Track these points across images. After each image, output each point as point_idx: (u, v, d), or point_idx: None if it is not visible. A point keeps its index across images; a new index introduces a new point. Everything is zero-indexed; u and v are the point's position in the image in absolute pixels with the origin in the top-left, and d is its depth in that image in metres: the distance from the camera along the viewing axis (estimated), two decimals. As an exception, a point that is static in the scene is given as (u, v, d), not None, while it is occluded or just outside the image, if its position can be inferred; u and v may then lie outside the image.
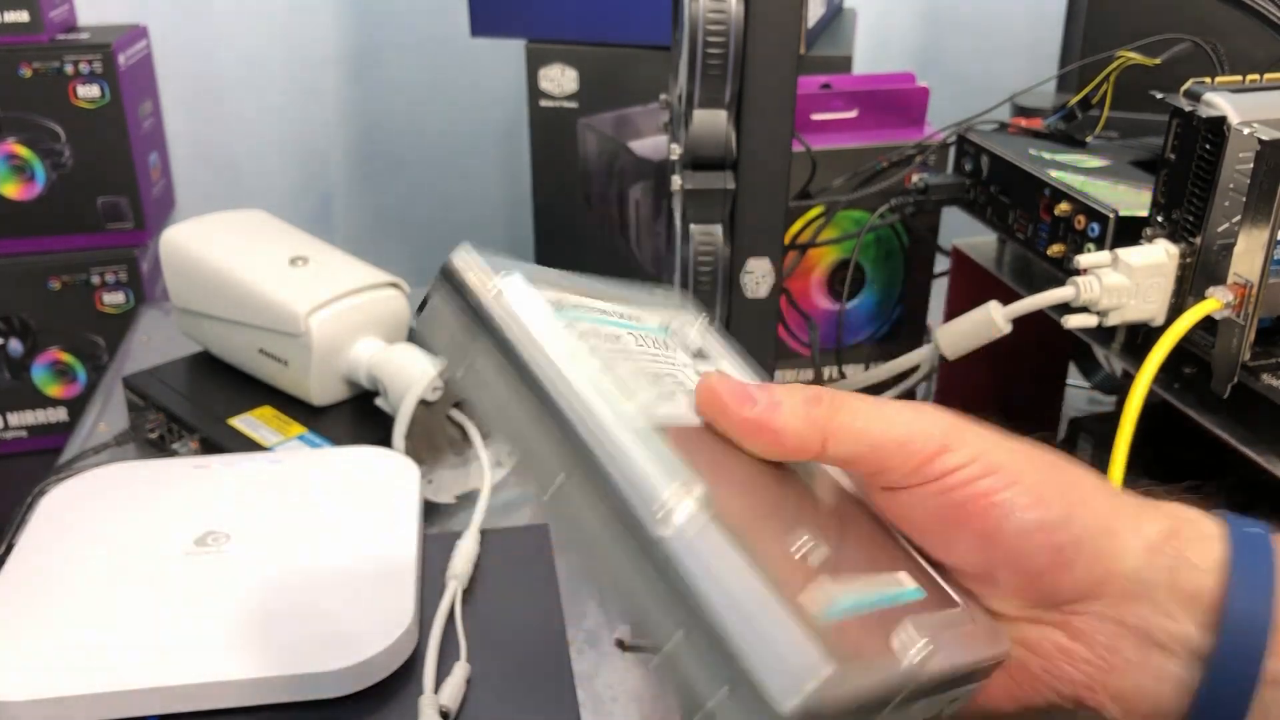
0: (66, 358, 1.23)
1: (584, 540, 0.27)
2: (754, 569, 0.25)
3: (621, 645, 0.60)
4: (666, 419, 0.28)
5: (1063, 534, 0.32)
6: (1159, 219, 0.54)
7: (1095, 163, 0.66)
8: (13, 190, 1.16)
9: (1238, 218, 0.50)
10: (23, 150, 1.15)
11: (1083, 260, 0.54)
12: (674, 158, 0.59)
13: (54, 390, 1.24)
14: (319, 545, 0.58)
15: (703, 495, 0.26)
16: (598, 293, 0.33)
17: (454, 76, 1.39)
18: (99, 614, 0.53)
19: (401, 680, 0.52)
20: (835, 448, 0.32)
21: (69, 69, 1.13)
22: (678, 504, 0.26)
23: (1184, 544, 0.32)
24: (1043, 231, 0.63)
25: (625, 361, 0.30)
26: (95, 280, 1.20)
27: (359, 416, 0.76)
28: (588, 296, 0.32)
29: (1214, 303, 0.50)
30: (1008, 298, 0.58)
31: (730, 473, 0.29)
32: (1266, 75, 0.55)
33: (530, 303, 0.28)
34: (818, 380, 0.79)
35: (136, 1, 1.28)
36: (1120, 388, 0.77)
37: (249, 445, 0.72)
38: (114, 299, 1.21)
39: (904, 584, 0.29)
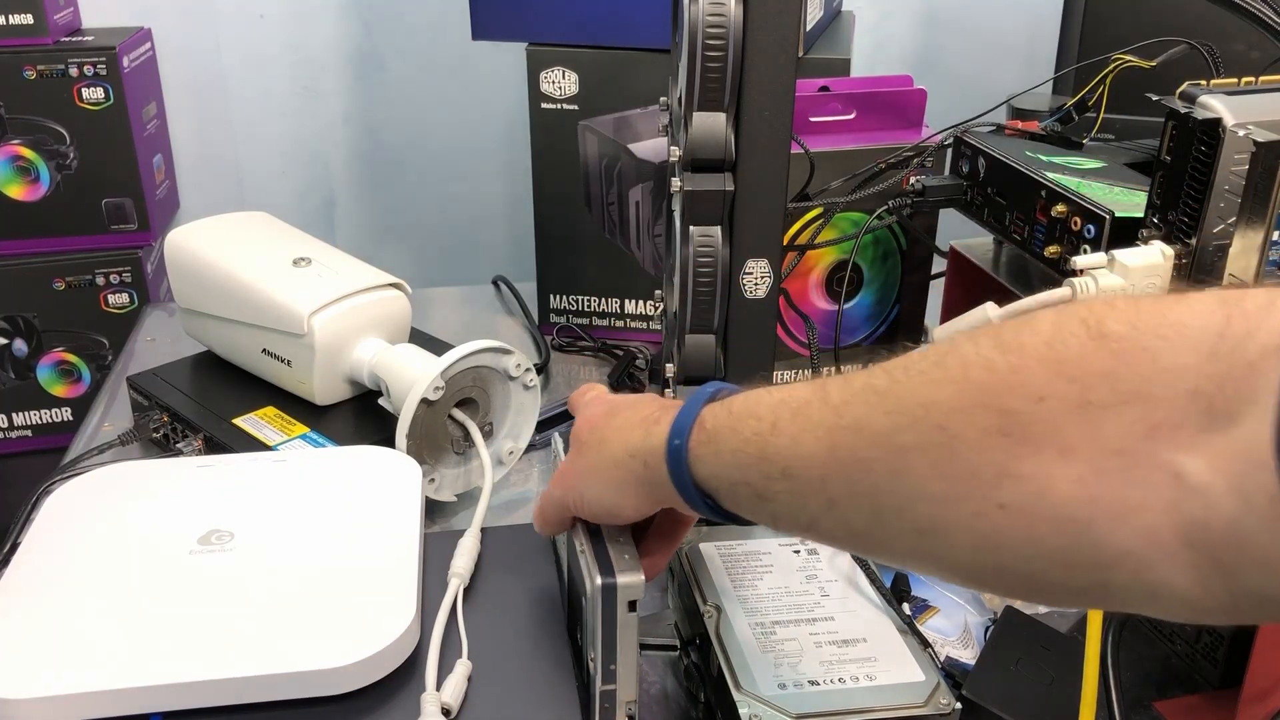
0: (71, 358, 1.24)
1: None
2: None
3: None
4: None
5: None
6: (1155, 220, 0.55)
7: (1091, 164, 0.67)
8: (18, 191, 1.17)
9: (1233, 219, 0.50)
10: (27, 152, 1.15)
11: (1079, 261, 0.55)
12: (673, 160, 0.59)
13: (59, 390, 1.25)
14: (322, 544, 0.58)
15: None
16: None
17: (455, 79, 1.40)
18: (103, 612, 0.53)
19: (403, 677, 0.52)
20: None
21: (73, 71, 1.13)
22: None
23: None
24: (1039, 233, 0.64)
25: None
26: (100, 281, 1.21)
27: (362, 416, 0.77)
28: None
29: (1208, 303, 0.51)
30: (1004, 298, 0.58)
31: None
32: (1261, 77, 0.55)
33: None
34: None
35: (140, 4, 1.28)
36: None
37: (253, 444, 0.73)
38: (118, 299, 1.22)
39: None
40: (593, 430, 0.52)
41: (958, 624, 0.59)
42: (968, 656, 0.57)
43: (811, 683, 0.51)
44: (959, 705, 0.50)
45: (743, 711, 0.49)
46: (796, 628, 0.54)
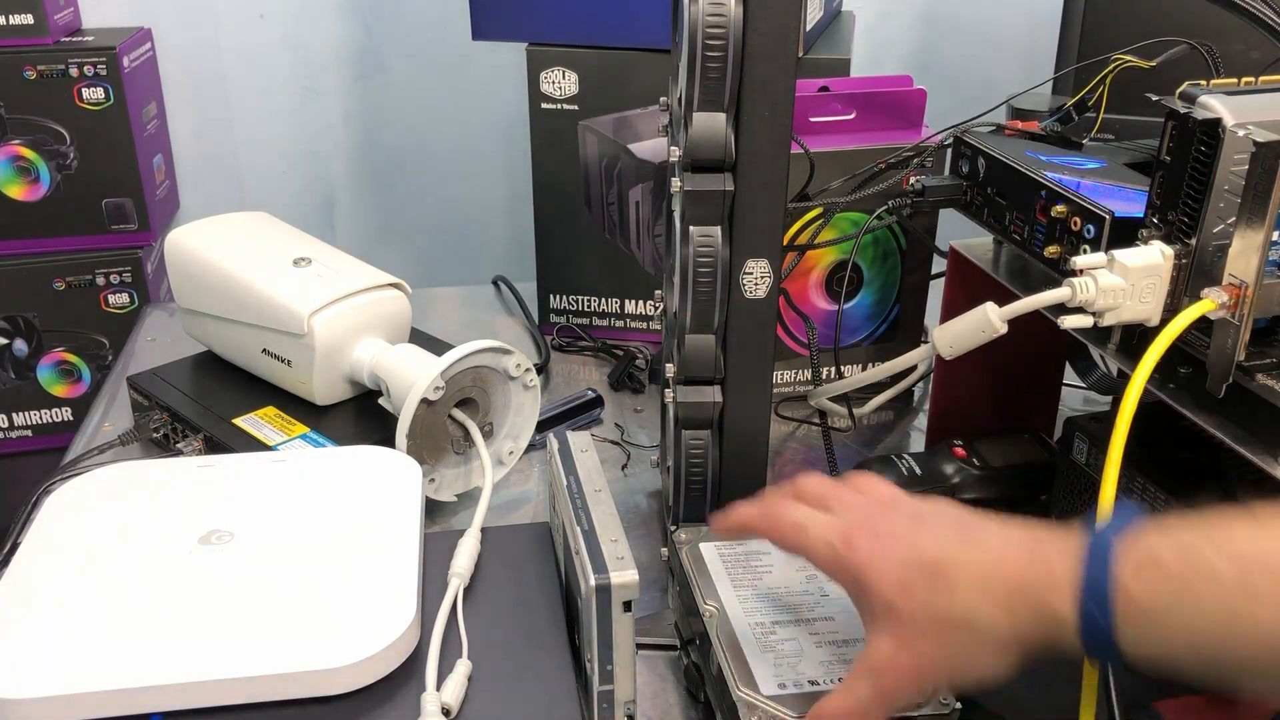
0: (71, 358, 1.24)
1: None
2: None
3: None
4: None
5: None
6: (1154, 220, 0.55)
7: (1091, 164, 0.67)
8: (18, 192, 1.17)
9: (1233, 219, 0.50)
10: (28, 152, 1.15)
11: (1079, 261, 0.55)
12: (673, 160, 0.59)
13: (59, 390, 1.25)
14: (322, 543, 0.58)
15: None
16: None
17: (455, 80, 1.40)
18: (103, 612, 0.53)
19: (403, 677, 0.52)
20: None
21: (74, 71, 1.13)
22: None
23: None
24: (1039, 233, 0.63)
25: None
26: (100, 281, 1.21)
27: (362, 416, 0.77)
28: None
29: (1209, 303, 0.50)
30: (1004, 298, 0.58)
31: None
32: (1261, 78, 0.55)
33: None
34: (815, 380, 0.80)
35: (141, 4, 1.28)
36: (1116, 388, 0.78)
37: (253, 444, 0.73)
38: (118, 300, 1.22)
39: None
40: (929, 599, 0.43)
41: (958, 624, 0.59)
42: (968, 656, 0.57)
43: (811, 683, 0.51)
44: (959, 705, 0.50)
45: (742, 712, 0.49)
46: (796, 628, 0.54)
